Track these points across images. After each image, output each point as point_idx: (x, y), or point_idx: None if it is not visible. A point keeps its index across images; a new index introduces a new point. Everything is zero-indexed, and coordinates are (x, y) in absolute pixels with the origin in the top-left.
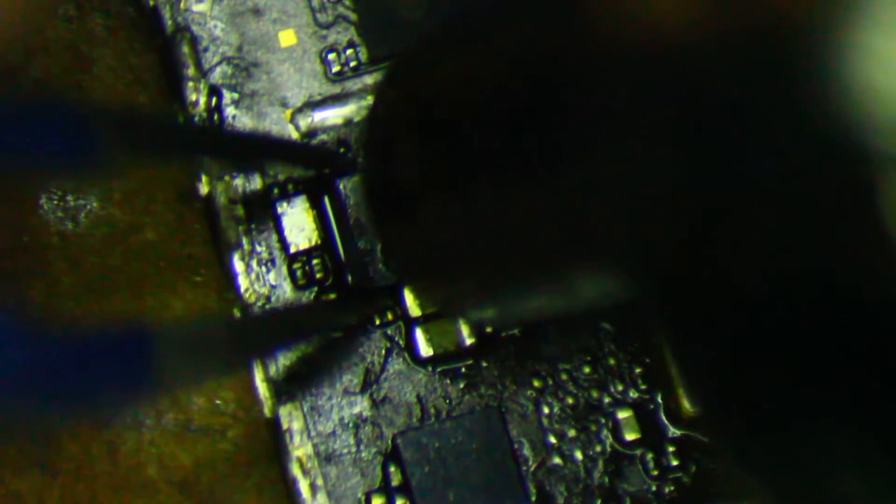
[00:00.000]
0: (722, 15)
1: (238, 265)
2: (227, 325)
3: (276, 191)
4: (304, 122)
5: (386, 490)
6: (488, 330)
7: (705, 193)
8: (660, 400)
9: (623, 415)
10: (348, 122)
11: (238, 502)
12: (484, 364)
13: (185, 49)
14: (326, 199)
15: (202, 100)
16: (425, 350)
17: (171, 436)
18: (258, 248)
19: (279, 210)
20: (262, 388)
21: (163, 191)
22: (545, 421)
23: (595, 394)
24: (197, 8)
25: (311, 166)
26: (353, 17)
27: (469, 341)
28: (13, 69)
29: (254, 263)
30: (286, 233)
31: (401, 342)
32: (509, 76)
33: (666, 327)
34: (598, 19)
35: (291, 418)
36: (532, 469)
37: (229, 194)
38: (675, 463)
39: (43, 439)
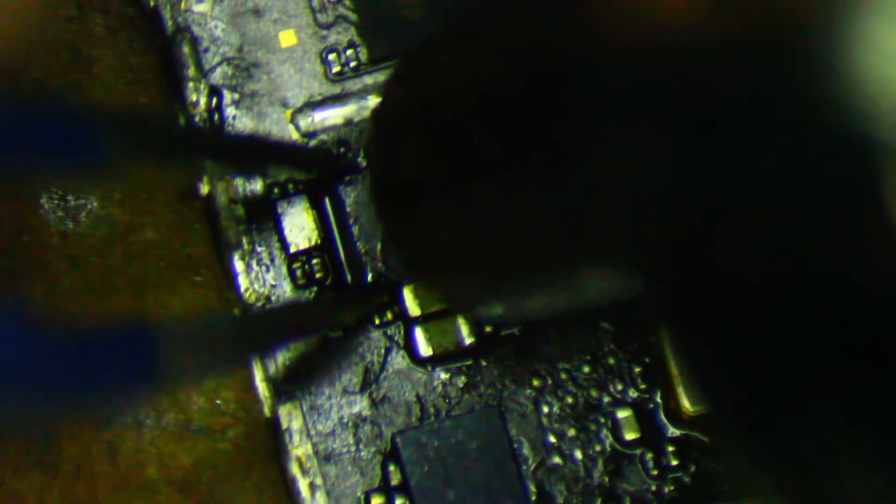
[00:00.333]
0: (722, 11)
1: (238, 265)
2: (228, 322)
3: (276, 190)
4: (305, 122)
5: (385, 489)
6: (488, 329)
7: (708, 190)
8: (659, 399)
9: (623, 414)
10: (348, 123)
11: (238, 502)
12: (483, 363)
13: (186, 49)
14: (327, 199)
15: (202, 100)
16: (425, 349)
17: (172, 436)
18: (258, 248)
19: (279, 210)
20: (261, 388)
21: (163, 191)
22: (545, 420)
23: (595, 393)
24: (197, 8)
25: (312, 169)
26: (353, 17)
27: (468, 341)
28: (13, 69)
29: (254, 263)
30: (286, 232)
31: (400, 341)
32: (513, 75)
33: (667, 325)
34: (600, 18)
35: (291, 418)
36: (532, 468)
37: (230, 194)
38: (674, 462)
39: (43, 439)
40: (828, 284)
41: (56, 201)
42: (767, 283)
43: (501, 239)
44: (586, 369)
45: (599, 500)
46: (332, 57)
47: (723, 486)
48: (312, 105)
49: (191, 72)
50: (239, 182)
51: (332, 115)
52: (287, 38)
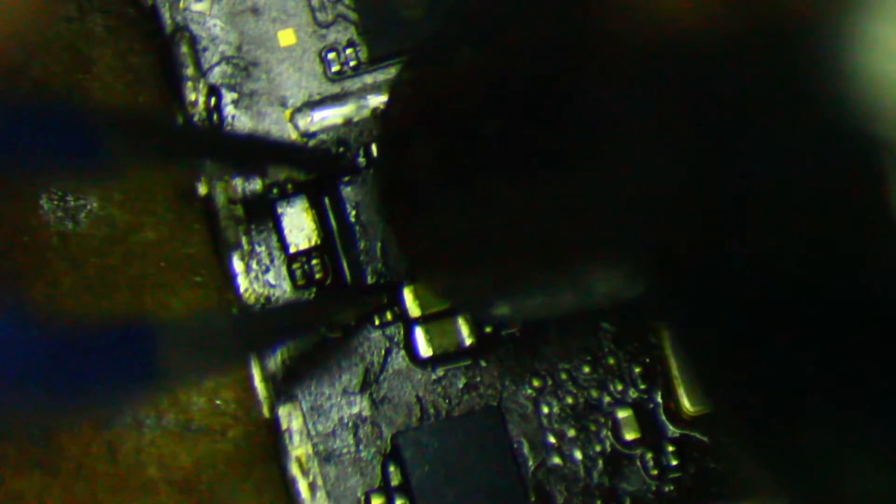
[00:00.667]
0: (729, 12)
1: (237, 265)
2: (227, 322)
3: (275, 191)
4: (304, 121)
5: (385, 490)
6: (488, 330)
7: (715, 187)
8: (659, 399)
9: (623, 414)
10: (348, 122)
11: (238, 502)
12: (483, 364)
13: (185, 49)
14: (326, 199)
15: (201, 99)
16: (425, 350)
17: (172, 436)
18: (258, 248)
19: (279, 210)
20: (261, 388)
21: (163, 191)
22: (545, 420)
23: (595, 393)
24: (196, 7)
25: (311, 168)
26: (352, 16)
27: (468, 341)
28: (13, 69)
29: (253, 263)
30: (286, 233)
31: (400, 342)
32: (522, 74)
33: (672, 324)
34: (609, 18)
35: (291, 418)
36: (532, 469)
37: (229, 194)
38: (674, 462)
39: (43, 439)
40: (832, 282)
41: (56, 201)
42: (773, 282)
43: (508, 238)
44: (586, 369)
45: (599, 501)
46: (331, 56)
47: (723, 486)
48: (311, 104)
49: (189, 71)
50: (238, 182)
51: (332, 115)
52: (286, 37)
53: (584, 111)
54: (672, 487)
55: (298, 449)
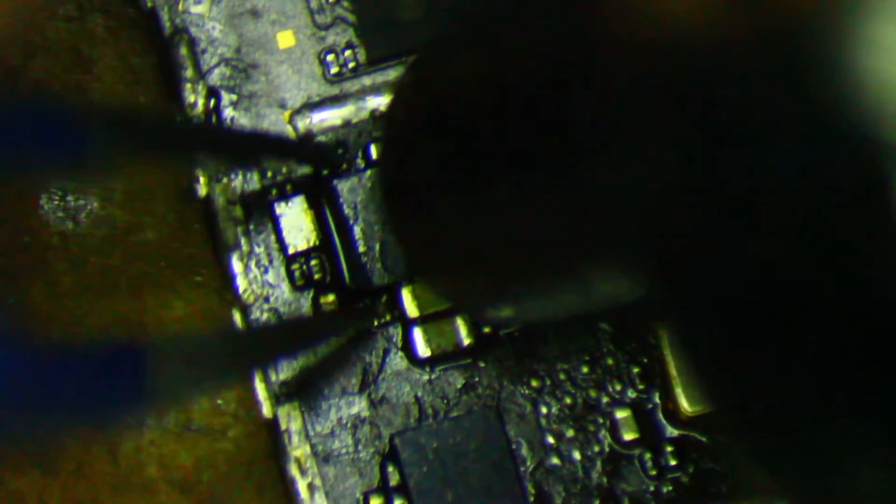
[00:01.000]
0: (732, 12)
1: (236, 266)
2: (226, 338)
3: (274, 191)
4: (303, 123)
5: (384, 490)
6: (486, 330)
7: (717, 189)
8: (658, 400)
9: (621, 414)
10: (347, 123)
11: (238, 502)
12: (482, 364)
13: (184, 51)
14: (325, 200)
15: (200, 101)
16: (423, 350)
17: (172, 436)
18: (256, 249)
19: (277, 211)
20: (260, 389)
21: (163, 191)
22: (543, 421)
23: (593, 393)
24: (195, 9)
25: (309, 164)
26: (351, 18)
27: (467, 341)
28: (13, 69)
29: (252, 264)
30: (284, 233)
31: (399, 342)
32: (524, 76)
33: (673, 324)
34: (610, 20)
35: (290, 419)
36: (530, 469)
37: (228, 195)
38: (673, 463)
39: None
40: (834, 284)
41: (56, 201)
42: (774, 283)
43: (511, 240)
44: (585, 370)
45: (598, 501)
46: (330, 58)
47: (721, 487)
48: (310, 106)
49: (189, 73)
50: (237, 183)
51: (331, 117)
52: (285, 39)
53: (586, 113)
54: (670, 487)
55: (297, 449)
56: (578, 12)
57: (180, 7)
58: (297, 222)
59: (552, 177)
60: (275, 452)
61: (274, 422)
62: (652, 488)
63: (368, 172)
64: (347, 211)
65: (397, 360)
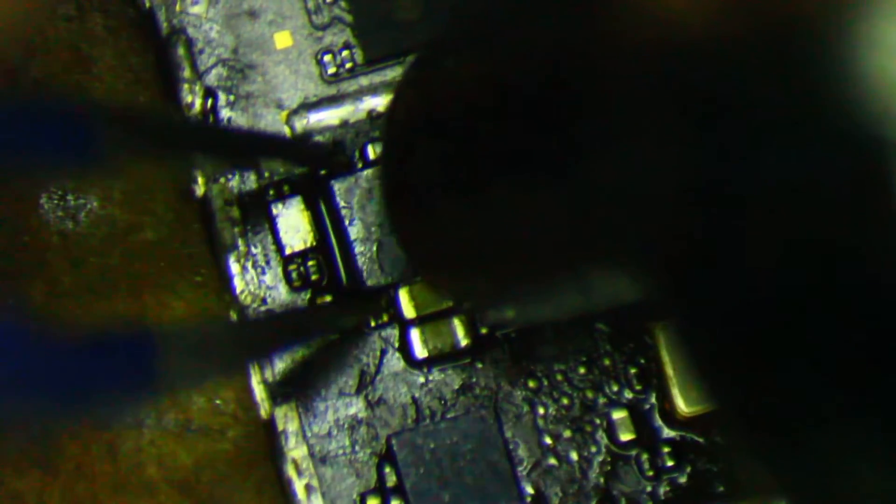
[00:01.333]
0: (735, 11)
1: (234, 267)
2: (226, 328)
3: (271, 192)
4: (300, 123)
5: (381, 491)
6: (483, 331)
7: (721, 188)
8: (654, 400)
9: (618, 415)
10: (344, 123)
11: (238, 502)
12: (479, 365)
13: (181, 51)
14: (322, 201)
15: (198, 102)
16: (420, 351)
17: (172, 436)
18: (254, 250)
19: (274, 212)
20: (258, 390)
21: (163, 190)
22: (540, 422)
23: (590, 394)
24: (193, 10)
25: (307, 164)
26: (348, 18)
27: (464, 342)
28: (13, 69)
29: (249, 265)
30: (281, 234)
31: (396, 343)
32: (525, 76)
33: (678, 324)
34: (613, 19)
35: (287, 420)
36: (527, 470)
37: (225, 196)
38: (670, 463)
39: (43, 439)
40: (836, 284)
41: (56, 201)
42: (776, 283)
43: (512, 240)
44: (582, 370)
45: (595, 502)
46: (327, 58)
47: (718, 487)
48: (308, 106)
49: (186, 73)
50: (234, 184)
51: (328, 117)
52: (282, 39)
53: (587, 113)
54: (667, 488)
55: (294, 450)
56: (579, 12)
57: (178, 7)
58: (294, 223)
59: (553, 177)
60: (272, 453)
61: (271, 423)
62: (649, 489)
63: (366, 173)
64: (344, 211)
65: (394, 361)
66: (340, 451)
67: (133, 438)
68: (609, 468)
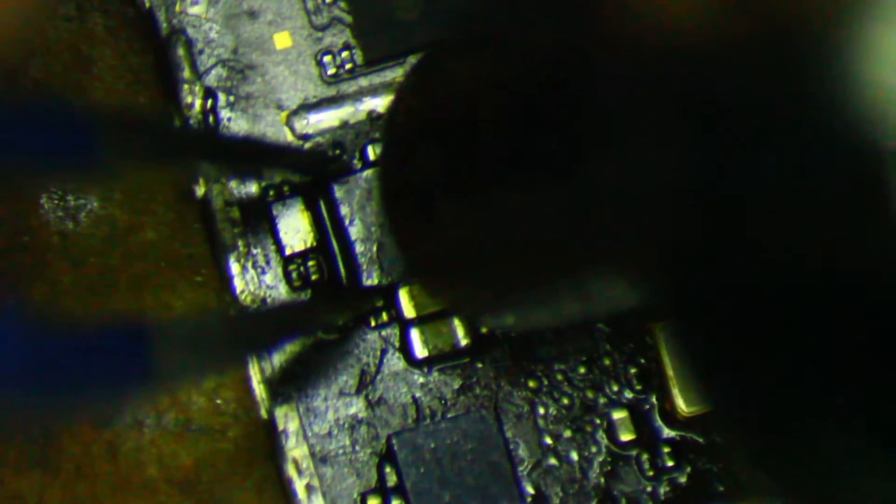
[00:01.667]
0: (735, 15)
1: (234, 267)
2: (224, 322)
3: (271, 193)
4: (300, 124)
5: (381, 491)
6: (483, 330)
7: (720, 190)
8: (655, 400)
9: (618, 415)
10: (344, 124)
11: (238, 502)
12: (479, 365)
13: (181, 51)
14: (322, 201)
15: (197, 102)
16: (420, 351)
17: (172, 435)
18: (254, 250)
19: (275, 212)
20: (258, 390)
21: (163, 191)
22: (541, 422)
23: (590, 394)
24: (192, 10)
25: (307, 170)
26: (348, 19)
27: (464, 342)
28: (13, 69)
29: (249, 265)
30: (282, 235)
31: (396, 343)
32: (526, 78)
33: (677, 324)
34: (613, 21)
35: (287, 419)
36: (527, 470)
37: (225, 196)
38: (670, 464)
39: (43, 439)
40: (835, 286)
41: (56, 201)
42: (775, 285)
43: (513, 242)
44: (582, 370)
45: (595, 501)
46: (327, 59)
47: (718, 487)
48: (307, 107)
49: (186, 74)
50: (234, 184)
51: (328, 118)
52: (282, 40)
53: (588, 116)
54: (668, 488)
55: (295, 450)
56: (579, 14)
57: (177, 7)
58: (294, 223)
59: (553, 179)
60: (272, 453)
61: (271, 422)
62: (649, 489)
63: (366, 174)
64: (345, 212)
65: (395, 361)
66: (341, 451)
67: (133, 438)
68: (609, 468)
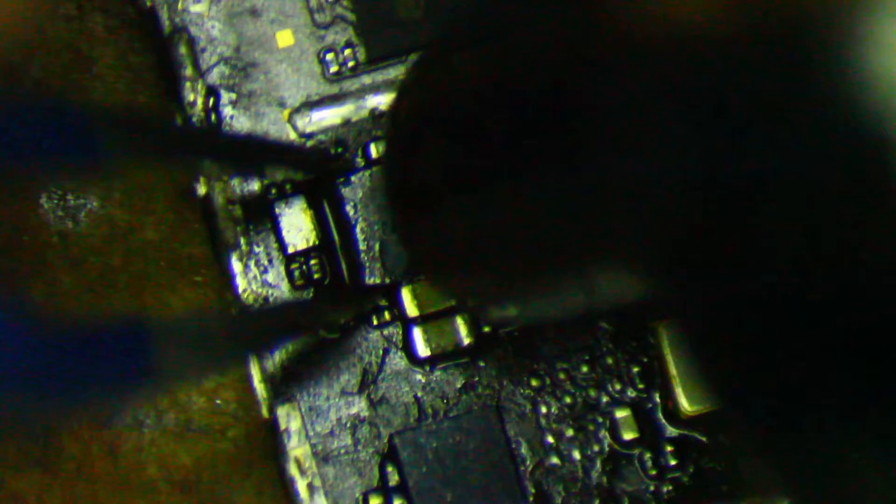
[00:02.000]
0: (741, 10)
1: (236, 266)
2: (224, 320)
3: (273, 191)
4: (302, 122)
5: (384, 490)
6: (486, 329)
7: (724, 186)
8: (657, 399)
9: (621, 414)
10: (346, 122)
11: (238, 502)
12: (482, 363)
13: (183, 50)
14: (325, 200)
15: (200, 100)
16: (423, 350)
17: (172, 435)
18: (256, 249)
19: (277, 211)
20: (260, 389)
21: (163, 190)
22: (543, 420)
23: (593, 393)
24: (194, 9)
25: (309, 169)
26: (351, 17)
27: (467, 341)
28: (13, 69)
29: (252, 264)
30: (284, 233)
31: (398, 342)
32: (532, 75)
33: (682, 321)
34: (620, 18)
35: (289, 418)
36: (530, 468)
37: (227, 195)
38: (672, 462)
39: (43, 439)
40: (840, 282)
41: (56, 201)
42: (781, 281)
43: (516, 239)
44: (585, 369)
45: (598, 501)
46: (329, 57)
47: (721, 486)
48: (310, 105)
49: (188, 72)
50: (236, 183)
51: (330, 115)
52: (284, 38)
53: (591, 111)
54: (670, 487)
55: (297, 449)
56: (586, 10)
57: (179, 6)
58: (296, 222)
59: (558, 174)
60: (274, 452)
61: (273, 422)
62: (652, 488)
63: (368, 171)
64: (347, 210)
65: (397, 360)
66: (343, 450)
67: (133, 438)
68: (612, 467)
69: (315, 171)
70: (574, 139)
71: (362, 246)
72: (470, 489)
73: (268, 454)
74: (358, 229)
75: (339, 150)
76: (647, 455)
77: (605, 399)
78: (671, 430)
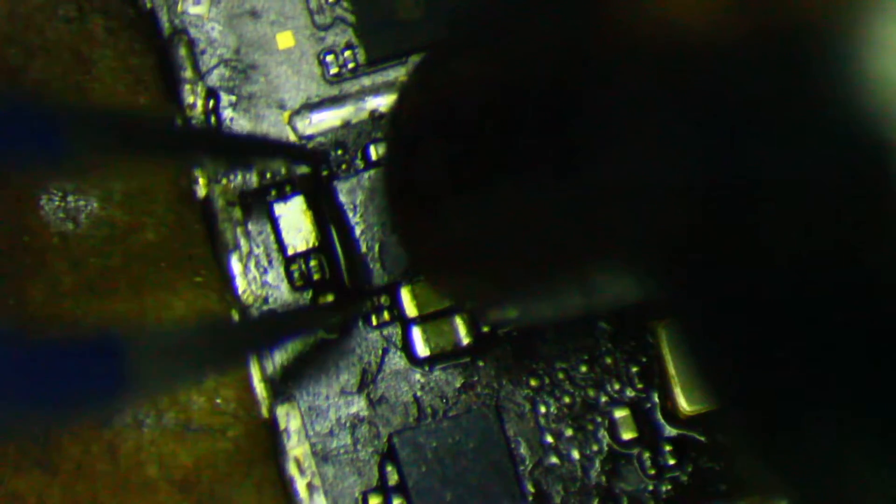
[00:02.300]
0: (740, 13)
1: (236, 267)
2: (212, 328)
3: (273, 192)
4: (302, 124)
5: (383, 489)
6: (485, 329)
7: (724, 188)
8: (656, 399)
9: (620, 414)
10: (346, 124)
11: (238, 501)
12: (481, 363)
13: (183, 51)
14: (324, 201)
15: (200, 102)
16: (422, 350)
17: (172, 435)
18: (256, 250)
19: (276, 211)
20: (259, 388)
21: (163, 191)
22: (542, 420)
23: (592, 392)
24: (194, 10)
25: (308, 165)
26: (351, 18)
27: (466, 340)
28: (13, 69)
29: (251, 265)
30: (283, 234)
31: (398, 342)
32: (531, 76)
33: (681, 322)
34: (619, 19)
35: (289, 418)
36: (529, 468)
37: (227, 196)
38: (671, 462)
39: (43, 439)
40: (840, 283)
41: (56, 202)
42: (780, 282)
43: (517, 240)
44: (584, 369)
45: (597, 500)
46: (329, 58)
47: (720, 486)
48: (310, 107)
49: (188, 74)
50: (236, 184)
51: (330, 117)
52: (284, 39)
53: (591, 111)
54: (669, 487)
55: (296, 449)
56: (584, 12)
57: (179, 8)
58: (296, 223)
59: (557, 176)
60: (274, 452)
61: (273, 421)
62: (651, 487)
63: (368, 173)
64: (347, 211)
65: (396, 360)
66: (342, 450)
67: (133, 438)
68: (611, 467)
69: (314, 165)
70: (573, 140)
71: (362, 247)
72: (469, 488)
73: (267, 454)
74: (357, 230)
75: (339, 151)
76: (646, 455)
77: (603, 399)
78: (670, 430)
